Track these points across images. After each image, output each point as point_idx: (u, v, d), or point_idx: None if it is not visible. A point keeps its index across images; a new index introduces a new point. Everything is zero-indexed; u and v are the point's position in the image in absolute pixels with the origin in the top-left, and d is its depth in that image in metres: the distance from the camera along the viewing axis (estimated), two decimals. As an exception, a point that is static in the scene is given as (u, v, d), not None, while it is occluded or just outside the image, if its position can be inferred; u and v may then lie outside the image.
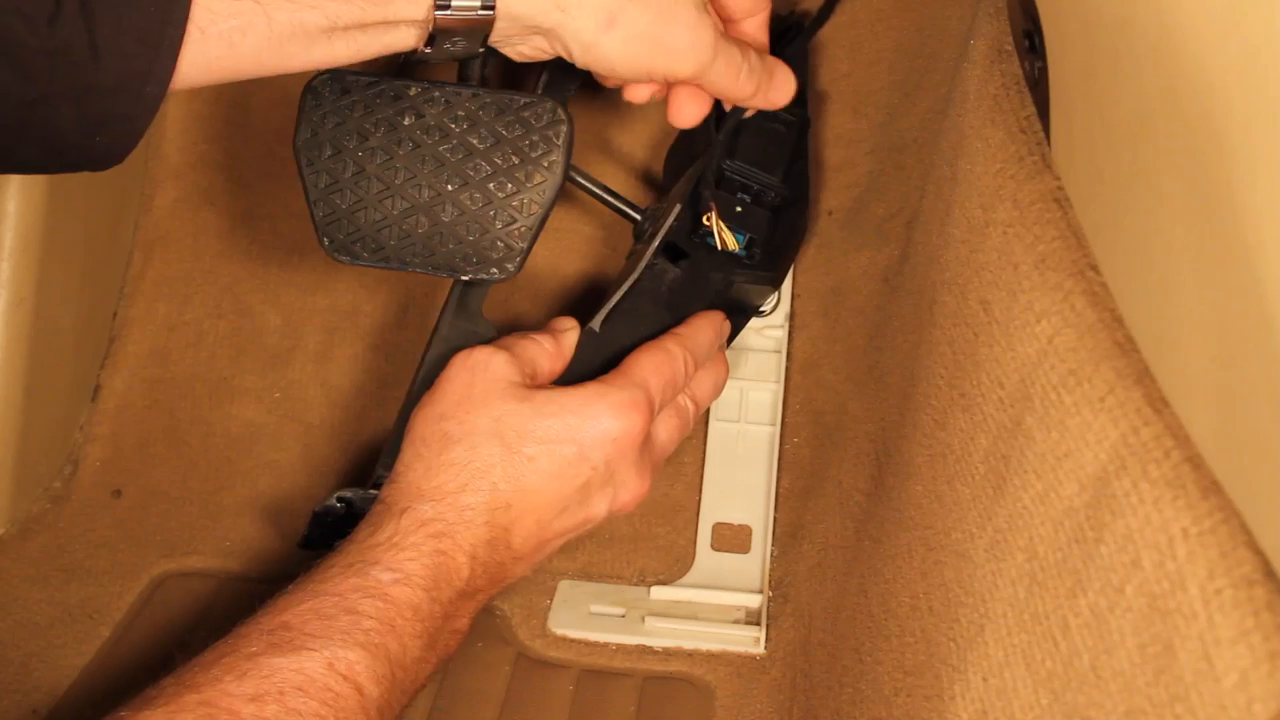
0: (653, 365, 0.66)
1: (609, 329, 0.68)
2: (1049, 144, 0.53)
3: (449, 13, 0.59)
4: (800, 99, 0.79)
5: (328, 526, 0.67)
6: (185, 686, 0.52)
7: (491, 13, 0.59)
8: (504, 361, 0.64)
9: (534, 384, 0.65)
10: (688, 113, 0.68)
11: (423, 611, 0.57)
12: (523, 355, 0.65)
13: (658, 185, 0.86)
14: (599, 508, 0.65)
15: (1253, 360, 0.36)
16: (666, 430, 0.68)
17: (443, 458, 0.61)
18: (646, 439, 0.65)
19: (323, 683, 0.53)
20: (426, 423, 0.62)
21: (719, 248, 0.71)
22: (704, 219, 0.71)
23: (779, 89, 0.69)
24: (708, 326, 0.71)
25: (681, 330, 0.69)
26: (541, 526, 0.63)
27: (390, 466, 0.67)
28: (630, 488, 0.66)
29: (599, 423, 0.63)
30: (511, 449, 0.62)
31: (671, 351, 0.67)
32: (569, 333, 0.68)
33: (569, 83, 0.71)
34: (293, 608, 0.56)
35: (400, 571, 0.57)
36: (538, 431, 0.62)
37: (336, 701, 0.53)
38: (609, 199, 0.73)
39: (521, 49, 0.63)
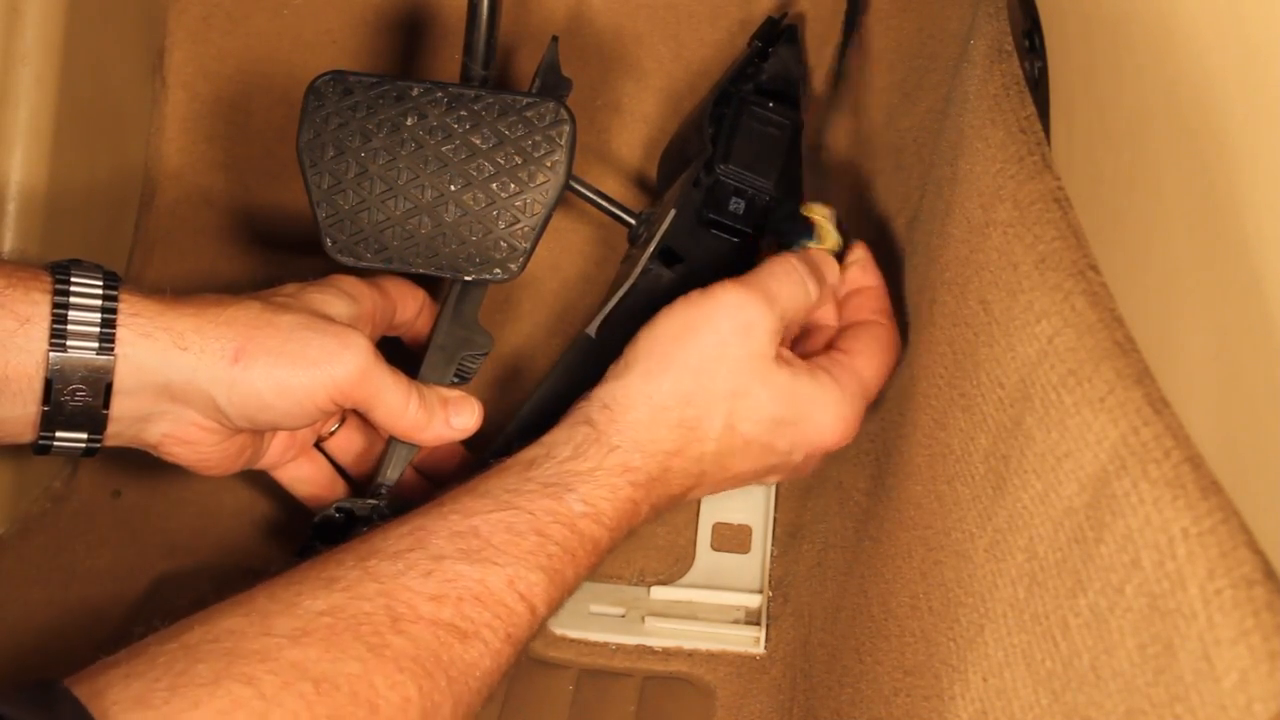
0: (880, 376, 0.65)
1: (605, 335, 0.68)
2: (1049, 144, 0.53)
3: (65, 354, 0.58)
4: (794, 101, 0.79)
5: (326, 535, 0.67)
6: (368, 574, 0.53)
7: (111, 357, 0.58)
8: (768, 331, 0.62)
9: (791, 334, 0.65)
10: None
11: (601, 546, 0.59)
12: (788, 311, 0.63)
13: (651, 189, 0.86)
14: (770, 479, 0.67)
15: (1253, 360, 0.36)
16: None
17: (670, 413, 0.61)
18: None
19: (500, 597, 0.54)
20: (667, 367, 0.61)
21: (825, 246, 0.69)
22: (804, 210, 0.70)
23: (459, 416, 0.66)
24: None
25: (891, 313, 0.67)
26: (716, 488, 0.65)
27: (388, 478, 0.68)
28: (804, 470, 0.67)
29: (826, 429, 0.63)
30: (733, 428, 0.62)
31: (898, 350, 0.66)
32: (828, 290, 0.66)
33: (562, 85, 0.71)
34: (483, 513, 0.56)
35: (593, 508, 0.58)
36: (769, 420, 0.62)
37: (510, 617, 0.54)
38: (603, 204, 0.73)
39: (157, 432, 0.62)
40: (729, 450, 0.62)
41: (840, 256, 0.70)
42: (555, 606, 0.57)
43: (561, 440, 0.61)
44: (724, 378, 0.61)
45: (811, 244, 0.69)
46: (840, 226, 0.71)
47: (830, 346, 0.67)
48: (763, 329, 0.62)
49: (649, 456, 0.60)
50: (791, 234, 0.70)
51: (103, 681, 0.46)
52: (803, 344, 0.69)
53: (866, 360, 0.64)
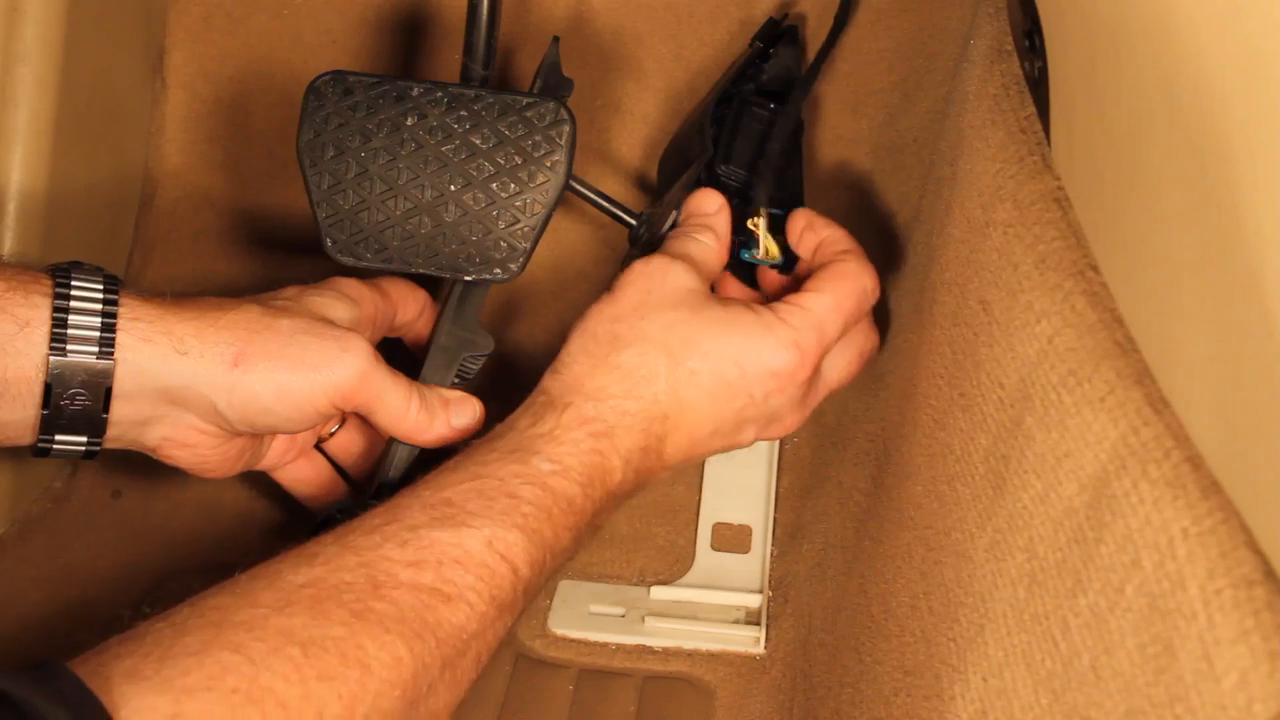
0: (835, 303, 0.64)
1: None
2: (1049, 144, 0.53)
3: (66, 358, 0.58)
4: (795, 100, 0.79)
5: None
6: (346, 548, 0.53)
7: (111, 361, 0.58)
8: (682, 269, 0.63)
9: (709, 282, 0.65)
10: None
11: (576, 505, 0.58)
12: (695, 259, 0.65)
13: (652, 189, 0.86)
14: (748, 435, 0.65)
15: (1253, 360, 0.36)
16: (840, 368, 0.67)
17: (610, 360, 0.61)
18: (814, 375, 0.64)
19: (480, 558, 0.54)
20: (600, 321, 0.63)
21: (760, 256, 0.69)
22: (749, 223, 0.69)
23: (459, 416, 0.66)
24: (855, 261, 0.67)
25: (857, 252, 0.66)
26: (693, 442, 0.63)
27: (390, 479, 0.68)
28: (784, 422, 0.66)
29: (764, 354, 0.62)
30: (676, 360, 0.62)
31: (863, 281, 0.65)
32: (720, 215, 0.67)
33: (564, 86, 0.71)
34: (454, 485, 0.57)
35: (559, 464, 0.58)
36: (704, 345, 0.62)
37: (492, 578, 0.54)
38: (604, 204, 0.73)
39: (156, 435, 0.62)
40: (678, 385, 0.62)
41: (787, 267, 0.70)
42: (540, 569, 0.57)
43: (520, 413, 0.62)
44: (653, 315, 0.62)
45: (748, 255, 0.69)
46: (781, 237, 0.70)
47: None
48: (677, 270, 0.63)
49: (600, 403, 0.61)
50: (742, 244, 0.70)
51: (95, 661, 0.46)
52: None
53: (815, 293, 0.64)
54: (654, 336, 0.62)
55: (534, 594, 0.58)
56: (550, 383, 0.62)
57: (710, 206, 0.68)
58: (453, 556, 0.54)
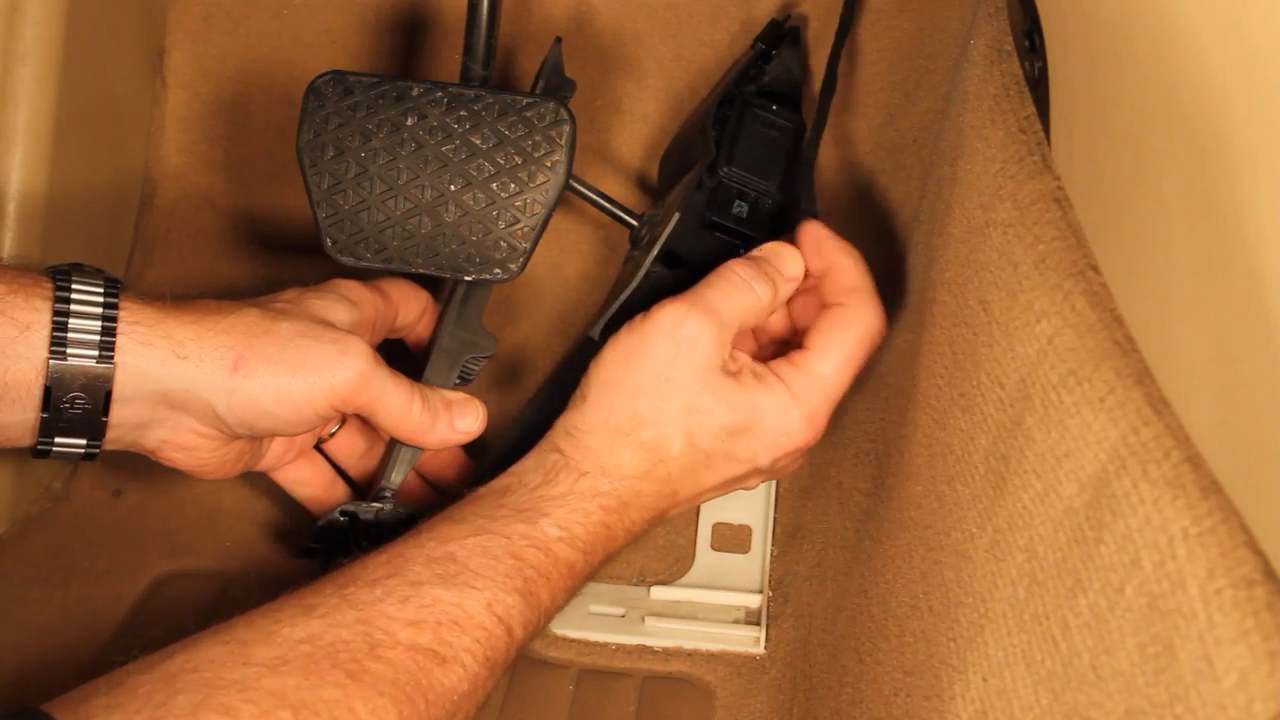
0: (846, 361, 0.63)
1: (608, 337, 0.67)
2: (1049, 144, 0.53)
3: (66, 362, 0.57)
4: (796, 103, 0.78)
5: (330, 539, 0.67)
6: (346, 601, 0.53)
7: (111, 365, 0.58)
8: (711, 343, 0.62)
9: (736, 334, 0.63)
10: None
11: (576, 570, 0.59)
12: (731, 318, 0.62)
13: (652, 189, 0.86)
14: (751, 484, 0.66)
15: (1253, 360, 0.36)
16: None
17: (629, 437, 0.62)
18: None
19: (479, 621, 0.55)
20: (618, 392, 0.62)
21: None
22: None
23: (462, 419, 0.66)
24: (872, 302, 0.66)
25: (863, 290, 0.65)
26: (694, 502, 0.65)
27: (392, 482, 0.68)
28: (788, 470, 0.67)
29: (779, 438, 0.63)
30: (694, 445, 0.62)
31: (872, 325, 0.64)
32: (793, 283, 0.65)
33: (566, 87, 0.71)
34: (459, 539, 0.57)
35: (566, 531, 0.59)
36: (720, 431, 0.62)
37: (489, 640, 0.55)
38: (605, 205, 0.73)
39: (156, 437, 0.62)
40: (693, 466, 0.63)
41: None
42: (531, 630, 0.58)
43: (531, 468, 0.61)
44: (674, 395, 0.62)
45: None
46: None
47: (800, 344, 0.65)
48: (705, 341, 0.62)
49: (617, 480, 0.61)
50: None
51: (83, 711, 0.46)
52: (774, 346, 0.69)
53: (823, 355, 0.63)
54: (673, 418, 0.62)
55: (524, 648, 0.59)
56: (565, 444, 0.62)
57: (791, 270, 0.65)
58: (452, 617, 0.54)
